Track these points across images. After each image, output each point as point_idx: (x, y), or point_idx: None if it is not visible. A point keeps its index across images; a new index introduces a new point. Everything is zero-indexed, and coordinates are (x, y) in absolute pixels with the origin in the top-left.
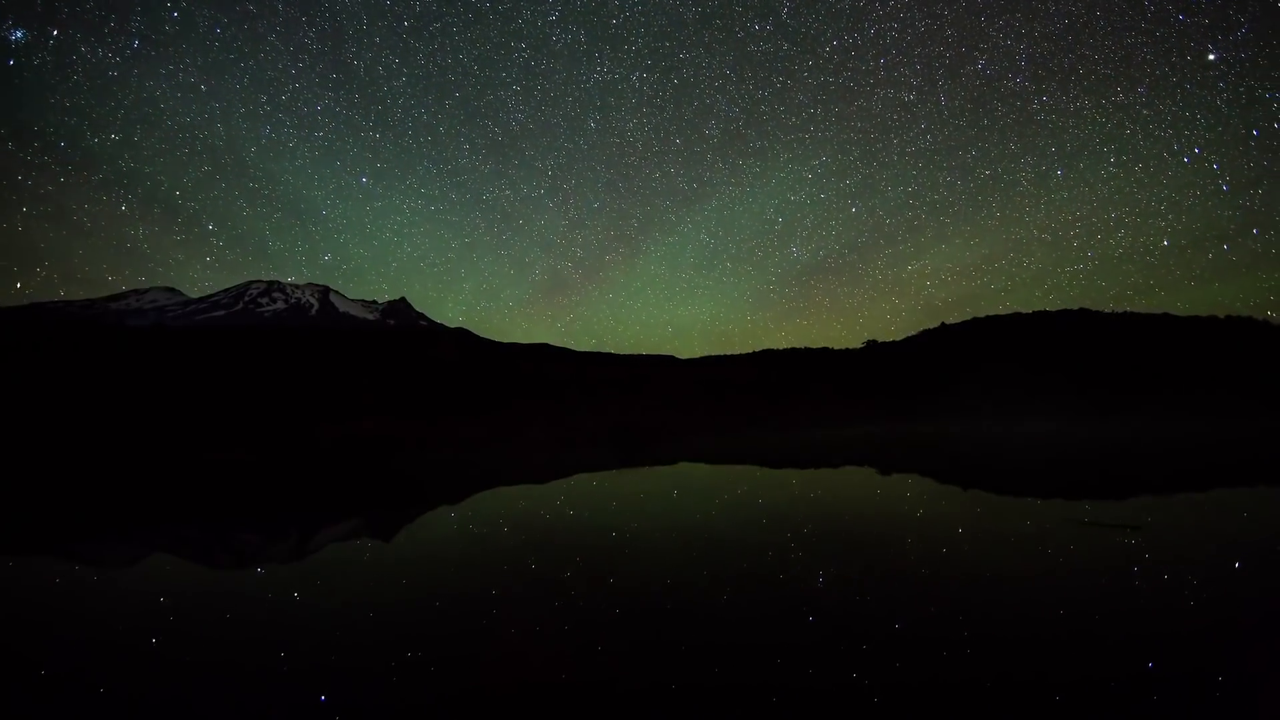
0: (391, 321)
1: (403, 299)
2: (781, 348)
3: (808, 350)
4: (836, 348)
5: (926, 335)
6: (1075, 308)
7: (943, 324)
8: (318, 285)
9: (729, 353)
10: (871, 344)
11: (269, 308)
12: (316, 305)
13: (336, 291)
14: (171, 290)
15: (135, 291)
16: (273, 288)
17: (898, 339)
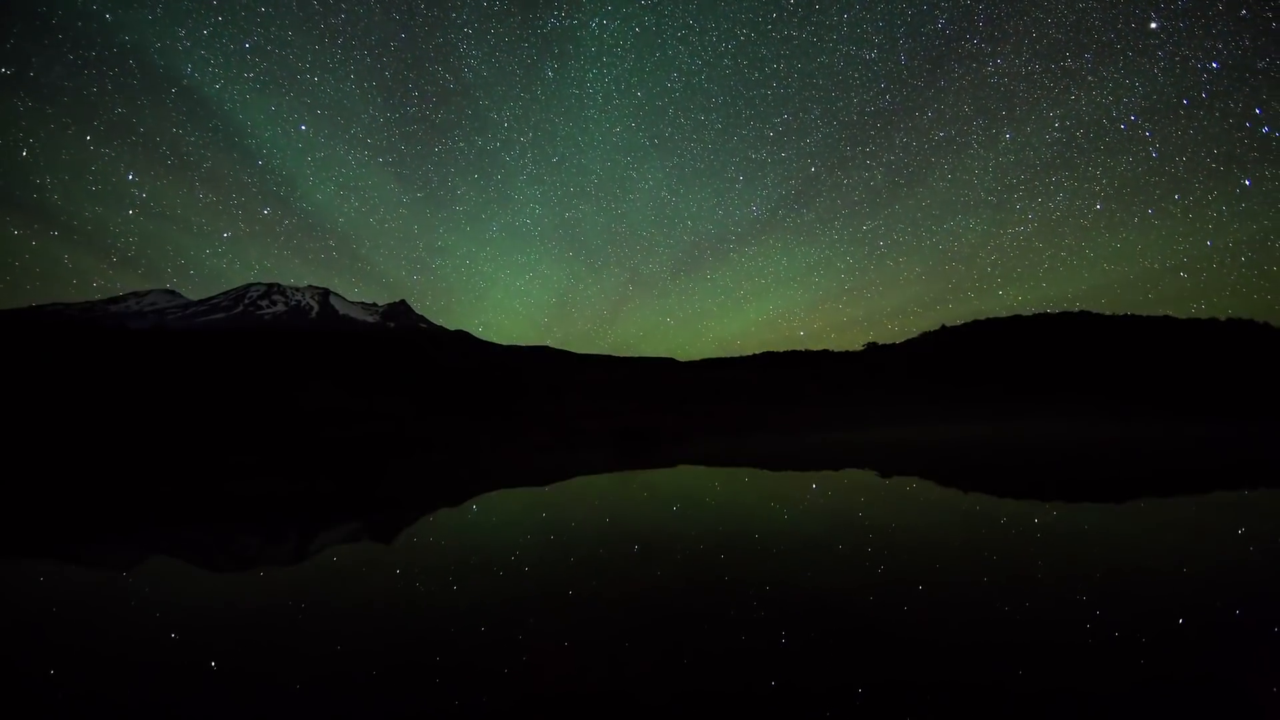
0: (392, 324)
1: (403, 301)
2: (781, 350)
3: (808, 352)
4: (836, 350)
5: (926, 337)
6: (1076, 309)
7: (942, 326)
8: (318, 288)
9: (731, 355)
10: (871, 346)
11: (269, 310)
12: (316, 308)
13: (337, 294)
14: (171, 293)
15: (135, 294)
16: (272, 290)
17: (898, 341)
